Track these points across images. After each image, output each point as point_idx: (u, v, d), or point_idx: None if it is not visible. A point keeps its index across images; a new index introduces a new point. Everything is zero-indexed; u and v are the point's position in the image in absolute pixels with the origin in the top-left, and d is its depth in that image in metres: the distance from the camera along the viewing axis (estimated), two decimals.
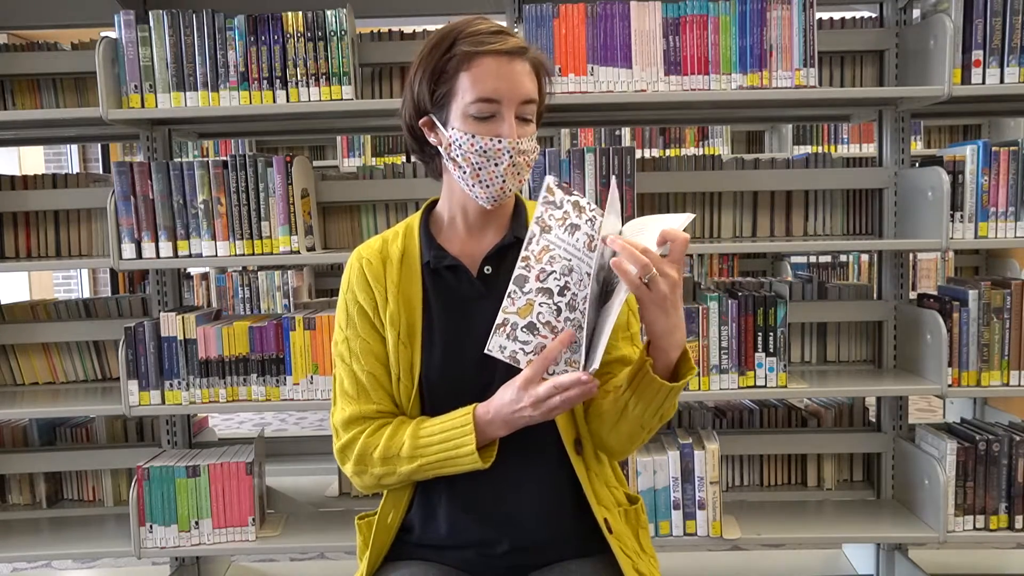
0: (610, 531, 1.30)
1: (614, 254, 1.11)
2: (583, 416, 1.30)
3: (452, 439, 1.22)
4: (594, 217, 1.17)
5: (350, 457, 1.30)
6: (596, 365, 1.12)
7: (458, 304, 1.31)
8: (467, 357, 1.26)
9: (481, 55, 1.21)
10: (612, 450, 1.31)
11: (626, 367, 1.25)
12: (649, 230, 1.15)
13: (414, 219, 1.38)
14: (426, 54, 1.26)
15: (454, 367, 1.28)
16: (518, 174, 1.26)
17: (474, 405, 1.23)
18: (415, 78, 1.28)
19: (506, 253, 1.31)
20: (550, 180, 1.16)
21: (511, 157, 1.23)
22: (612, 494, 1.35)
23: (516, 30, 2.31)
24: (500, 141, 1.22)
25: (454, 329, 1.30)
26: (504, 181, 1.25)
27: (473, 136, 1.23)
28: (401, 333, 1.30)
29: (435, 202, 1.39)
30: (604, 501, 1.32)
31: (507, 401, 1.18)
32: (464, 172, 1.26)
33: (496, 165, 1.24)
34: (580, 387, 1.13)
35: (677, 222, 1.14)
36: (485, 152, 1.23)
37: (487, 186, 1.26)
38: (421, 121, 1.29)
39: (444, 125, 1.26)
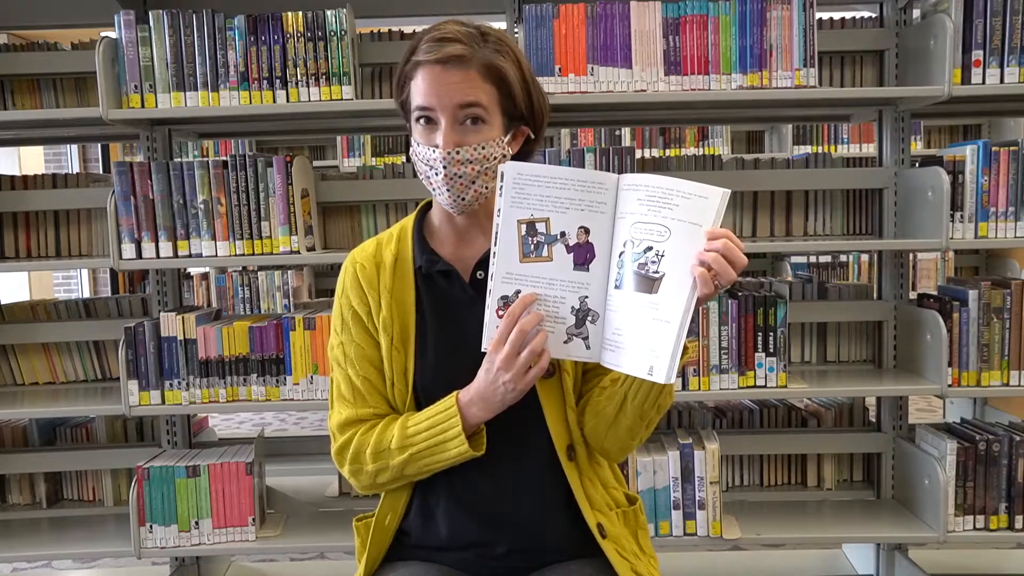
0: (604, 536, 1.29)
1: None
2: (578, 418, 1.30)
3: (438, 424, 1.22)
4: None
5: (346, 458, 1.30)
6: (673, 375, 1.10)
7: (450, 309, 1.31)
8: (460, 361, 1.26)
9: (423, 64, 1.22)
10: (610, 451, 1.31)
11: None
12: (689, 210, 1.09)
13: (408, 221, 1.38)
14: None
15: (447, 371, 1.28)
16: (462, 184, 1.24)
17: (457, 391, 1.23)
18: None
19: None
20: (505, 169, 1.14)
21: (444, 168, 1.22)
22: (610, 495, 1.35)
23: (516, 31, 2.32)
24: (433, 151, 1.23)
25: (447, 334, 1.30)
26: (447, 191, 1.24)
27: (418, 144, 1.25)
28: (394, 338, 1.30)
29: (430, 203, 1.39)
30: (598, 505, 1.32)
31: (482, 377, 1.19)
32: (420, 178, 1.28)
33: (436, 175, 1.24)
34: (540, 330, 1.13)
35: (713, 200, 1.09)
36: (427, 161, 1.24)
37: (438, 194, 1.27)
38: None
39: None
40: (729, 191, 1.10)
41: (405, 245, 1.35)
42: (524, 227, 1.15)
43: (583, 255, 1.15)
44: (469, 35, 1.22)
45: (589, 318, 1.16)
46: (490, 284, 1.16)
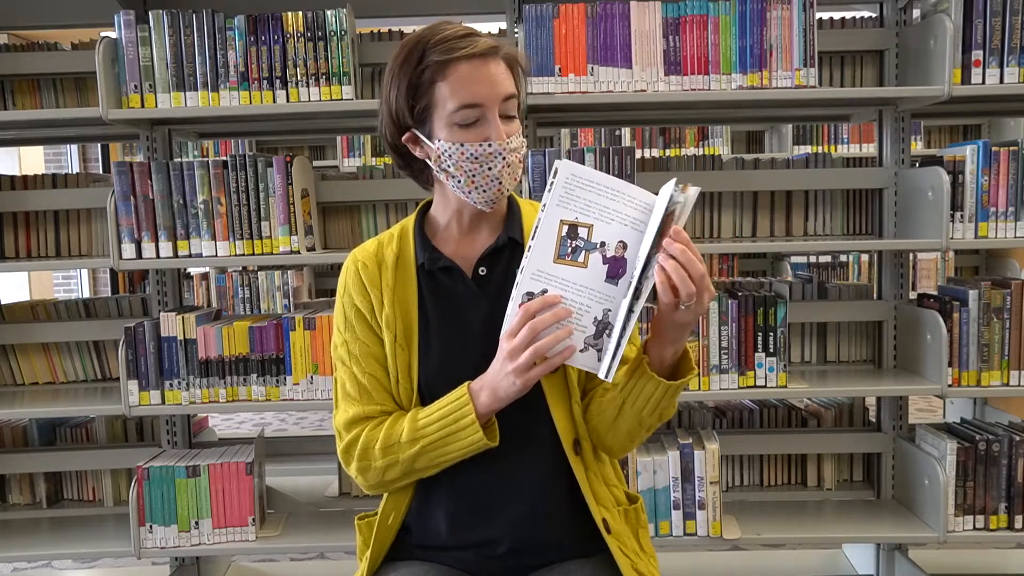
0: (608, 531, 1.30)
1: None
2: (582, 414, 1.30)
3: (451, 412, 1.22)
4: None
5: (353, 455, 1.29)
6: (611, 376, 1.12)
7: (453, 305, 1.31)
8: (464, 358, 1.26)
9: (454, 61, 1.19)
10: (611, 448, 1.31)
11: (625, 365, 1.25)
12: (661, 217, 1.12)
13: (408, 221, 1.38)
14: (397, 70, 1.24)
15: (452, 368, 1.28)
16: (512, 173, 1.26)
17: (468, 382, 1.23)
18: (391, 95, 1.26)
19: (500, 254, 1.31)
20: (560, 164, 1.14)
21: (504, 158, 1.23)
22: (612, 493, 1.35)
23: (516, 31, 2.32)
24: (490, 145, 1.22)
25: (450, 330, 1.30)
26: (500, 183, 1.25)
27: (462, 144, 1.22)
28: (398, 336, 1.30)
29: (430, 203, 1.39)
30: (603, 501, 1.32)
31: (495, 369, 1.19)
32: (459, 180, 1.25)
33: (490, 169, 1.23)
34: (553, 339, 1.13)
35: (664, 197, 1.12)
36: (477, 158, 1.22)
37: (484, 190, 1.25)
38: (404, 137, 1.28)
39: (429, 138, 1.25)
40: (699, 188, 1.12)
41: (407, 243, 1.35)
42: (566, 228, 1.13)
43: (617, 269, 1.14)
44: (476, 31, 1.23)
45: (607, 332, 1.15)
46: (519, 277, 1.15)
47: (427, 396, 1.29)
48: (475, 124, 1.22)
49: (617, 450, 1.31)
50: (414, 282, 1.32)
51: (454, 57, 1.19)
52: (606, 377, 1.12)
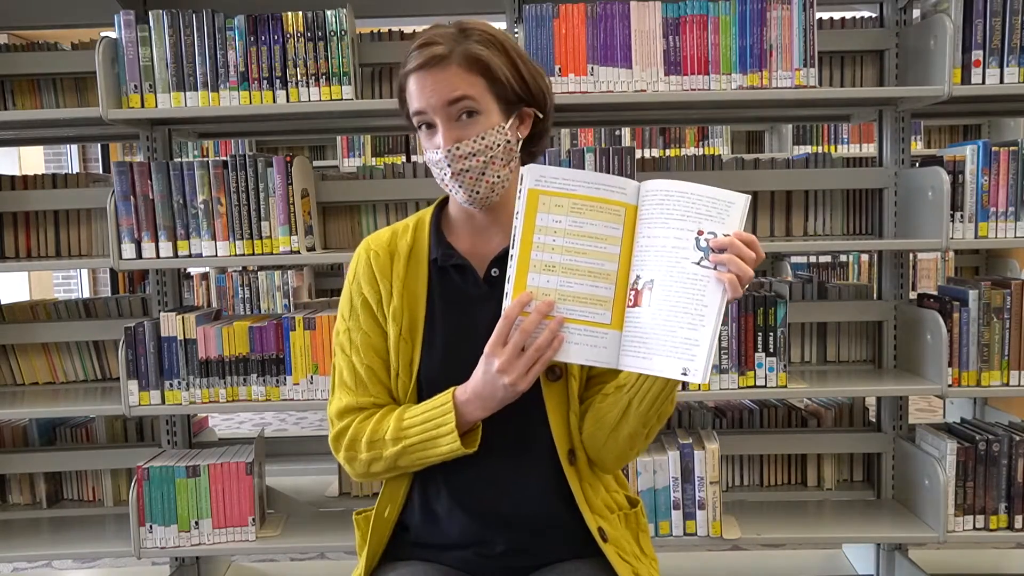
0: (604, 540, 1.29)
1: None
2: (578, 426, 1.30)
3: (433, 419, 1.22)
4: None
5: (342, 445, 1.31)
6: (705, 376, 1.09)
7: (462, 304, 1.31)
8: (467, 357, 1.26)
9: (411, 72, 1.24)
10: (606, 460, 1.30)
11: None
12: (714, 214, 1.11)
13: (426, 213, 1.38)
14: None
15: (453, 366, 1.27)
16: (478, 177, 1.24)
17: (454, 387, 1.23)
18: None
19: None
20: (524, 172, 1.14)
21: (450, 165, 1.23)
22: (612, 498, 1.35)
23: (516, 31, 2.32)
24: (437, 152, 1.24)
25: (456, 329, 1.30)
26: (461, 187, 1.25)
27: (426, 150, 1.27)
28: (403, 329, 1.30)
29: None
30: (598, 510, 1.32)
31: (479, 377, 1.19)
32: (441, 180, 1.28)
33: (445, 174, 1.25)
34: (549, 334, 1.12)
35: (738, 205, 1.10)
36: (434, 163, 1.26)
37: (454, 192, 1.28)
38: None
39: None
40: (748, 196, 1.11)
41: (421, 236, 1.35)
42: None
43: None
44: (449, 35, 1.23)
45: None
46: (507, 287, 1.14)
47: (426, 392, 1.29)
48: (429, 131, 1.25)
49: (612, 461, 1.30)
50: (425, 276, 1.32)
51: (410, 69, 1.24)
52: (700, 379, 1.10)
